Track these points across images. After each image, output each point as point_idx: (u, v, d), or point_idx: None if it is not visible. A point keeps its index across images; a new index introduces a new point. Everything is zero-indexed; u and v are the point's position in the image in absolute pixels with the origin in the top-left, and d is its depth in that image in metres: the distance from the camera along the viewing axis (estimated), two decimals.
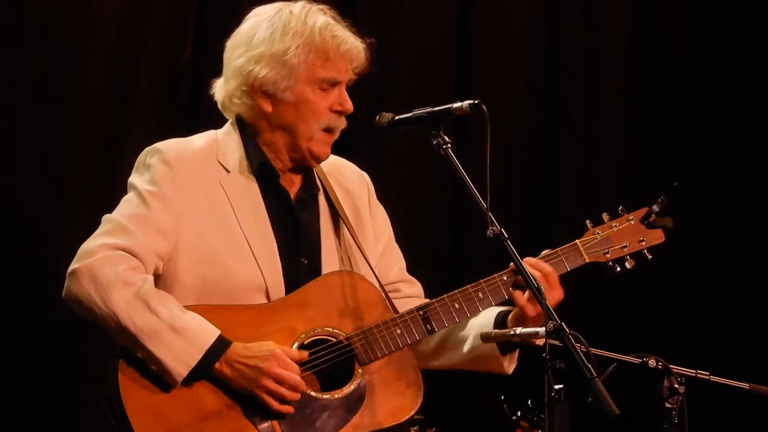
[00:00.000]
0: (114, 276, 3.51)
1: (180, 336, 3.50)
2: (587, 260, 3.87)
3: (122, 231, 3.57)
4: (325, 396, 3.62)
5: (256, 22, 3.75)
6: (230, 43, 3.80)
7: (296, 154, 3.76)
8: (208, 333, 3.53)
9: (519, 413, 4.06)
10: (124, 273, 3.52)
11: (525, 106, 6.29)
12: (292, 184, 3.82)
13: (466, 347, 3.81)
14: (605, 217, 3.93)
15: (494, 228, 3.47)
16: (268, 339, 3.60)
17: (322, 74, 3.71)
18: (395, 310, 3.76)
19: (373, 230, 3.94)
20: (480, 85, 5.94)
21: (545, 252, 3.83)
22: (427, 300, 3.83)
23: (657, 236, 3.94)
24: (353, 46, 3.74)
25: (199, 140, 3.79)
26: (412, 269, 4.05)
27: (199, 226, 3.65)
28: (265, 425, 3.57)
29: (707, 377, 3.90)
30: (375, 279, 3.79)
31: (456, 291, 3.75)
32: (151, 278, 3.57)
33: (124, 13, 5.56)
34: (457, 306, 3.73)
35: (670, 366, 3.79)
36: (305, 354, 3.62)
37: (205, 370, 3.52)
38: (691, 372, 3.85)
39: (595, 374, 3.22)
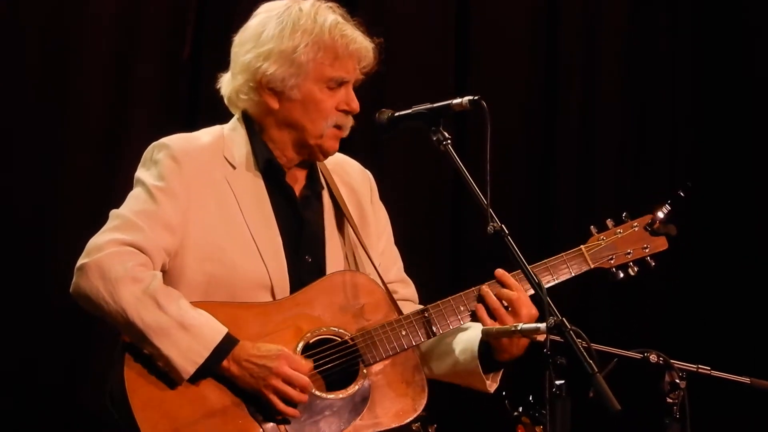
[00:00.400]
0: (123, 272, 3.50)
1: (188, 333, 3.50)
2: (592, 266, 3.89)
3: (131, 226, 3.57)
4: (330, 396, 3.62)
5: (265, 18, 3.74)
6: (238, 39, 3.78)
7: (303, 150, 3.76)
8: (216, 331, 3.53)
9: (520, 409, 4.08)
10: (132, 269, 3.51)
11: (524, 106, 6.30)
12: (297, 182, 3.81)
13: (450, 360, 3.81)
14: (609, 223, 3.94)
15: (495, 224, 3.46)
16: (274, 337, 3.60)
17: (330, 73, 3.70)
18: (400, 312, 3.75)
19: (376, 228, 3.93)
20: (479, 84, 5.95)
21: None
22: (436, 302, 3.79)
23: (660, 243, 3.96)
24: (362, 45, 3.73)
25: (206, 135, 3.78)
26: (411, 268, 4.05)
27: (206, 222, 3.65)
28: (269, 425, 3.56)
29: (708, 372, 3.90)
30: (378, 277, 3.78)
31: (460, 293, 3.75)
32: (159, 275, 3.57)
33: (123, 12, 5.56)
34: (462, 308, 3.73)
35: (672, 361, 3.79)
36: (311, 364, 3.61)
37: (212, 368, 3.52)
38: (692, 367, 3.85)
39: (596, 369, 3.22)
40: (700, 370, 3.88)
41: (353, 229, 3.82)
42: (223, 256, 3.64)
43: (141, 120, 5.51)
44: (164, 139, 3.72)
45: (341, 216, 3.85)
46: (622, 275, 3.91)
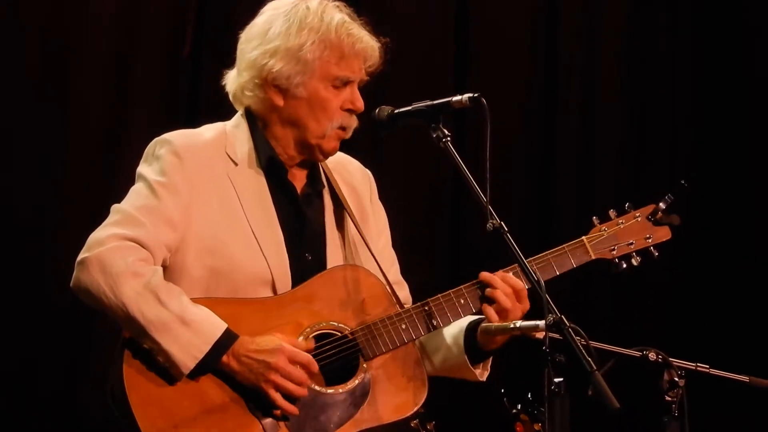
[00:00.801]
0: (124, 266, 3.50)
1: (188, 328, 3.50)
2: (593, 257, 3.89)
3: (132, 221, 3.57)
4: (330, 390, 3.62)
5: (272, 15, 3.75)
6: (245, 36, 3.80)
7: (304, 149, 3.77)
8: (216, 326, 3.53)
9: (519, 406, 4.07)
10: (133, 264, 3.52)
11: (523, 106, 6.30)
12: (299, 179, 3.82)
13: (440, 356, 3.82)
14: (612, 213, 3.94)
15: (494, 221, 3.47)
16: (274, 333, 3.60)
17: (336, 72, 3.71)
18: (401, 305, 3.76)
19: (375, 228, 3.94)
20: (479, 85, 5.95)
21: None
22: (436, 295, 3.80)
23: (663, 233, 3.95)
24: (368, 45, 3.74)
25: (208, 132, 3.79)
26: (410, 266, 4.05)
27: (207, 218, 3.65)
28: (269, 420, 3.56)
29: (707, 370, 3.91)
30: (381, 274, 3.78)
31: (461, 286, 3.75)
32: (160, 270, 3.57)
33: (123, 12, 5.56)
34: (462, 302, 3.74)
35: (670, 359, 3.79)
36: (311, 343, 3.62)
37: (212, 364, 3.52)
38: (691, 365, 3.86)
39: (595, 367, 3.22)
40: (698, 369, 3.88)
41: (355, 226, 3.83)
42: (225, 252, 3.64)
43: (141, 120, 5.50)
44: (166, 135, 3.73)
45: (342, 214, 3.85)
46: (624, 266, 3.91)
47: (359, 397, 3.63)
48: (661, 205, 3.92)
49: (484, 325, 3.66)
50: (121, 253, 3.52)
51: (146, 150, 3.74)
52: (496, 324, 3.65)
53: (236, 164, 3.74)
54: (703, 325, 6.18)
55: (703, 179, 6.20)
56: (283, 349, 3.55)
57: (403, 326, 3.70)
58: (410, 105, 3.70)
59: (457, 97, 3.61)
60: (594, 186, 6.33)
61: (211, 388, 3.54)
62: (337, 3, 3.79)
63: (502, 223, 3.47)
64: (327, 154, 3.79)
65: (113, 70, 5.55)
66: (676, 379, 3.79)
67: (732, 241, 6.29)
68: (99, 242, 3.54)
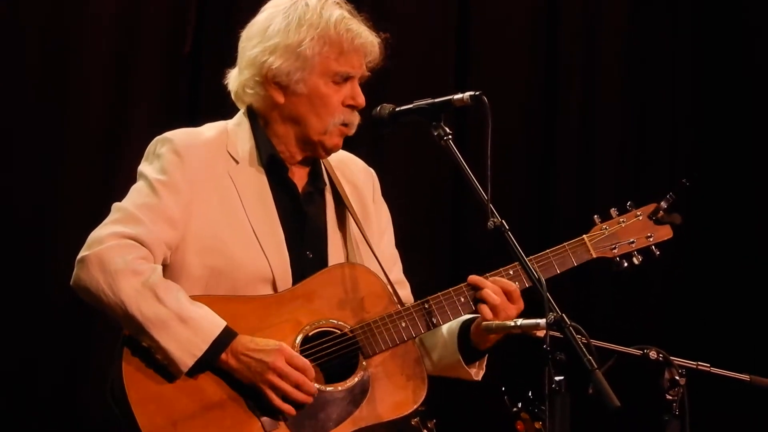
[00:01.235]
0: (123, 264, 3.51)
1: (187, 326, 3.50)
2: (594, 255, 3.89)
3: (132, 220, 3.58)
4: (329, 388, 3.62)
5: (271, 13, 3.76)
6: (245, 34, 3.80)
7: (307, 146, 3.77)
8: (215, 324, 3.54)
9: (520, 405, 4.07)
10: (132, 262, 3.52)
11: (524, 106, 6.30)
12: (300, 177, 3.82)
13: (436, 355, 3.82)
14: (613, 212, 3.94)
15: (495, 219, 3.46)
16: (273, 331, 3.60)
17: (335, 68, 3.71)
18: (401, 303, 3.76)
19: (378, 227, 3.94)
20: (479, 85, 5.92)
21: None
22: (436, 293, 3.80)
23: (665, 232, 3.95)
24: (368, 40, 3.74)
25: (209, 130, 3.80)
26: (411, 264, 4.05)
27: (208, 217, 3.66)
28: (267, 417, 3.56)
29: (708, 369, 3.90)
30: (382, 272, 3.78)
31: (462, 284, 3.75)
32: (159, 268, 3.57)
33: (123, 12, 5.55)
34: (462, 300, 3.74)
35: (671, 358, 3.79)
36: (307, 363, 3.61)
37: (210, 361, 3.52)
38: (691, 364, 3.85)
39: (595, 366, 3.21)
40: (699, 367, 3.88)
41: (357, 225, 3.82)
42: (225, 250, 3.64)
43: (141, 120, 5.50)
44: (167, 134, 3.74)
45: (344, 212, 3.85)
46: (625, 265, 3.91)
47: (358, 395, 3.63)
48: (663, 204, 3.92)
49: (485, 323, 3.65)
50: (121, 251, 3.52)
51: (147, 148, 3.75)
52: (497, 322, 3.64)
53: (237, 162, 3.75)
54: (704, 324, 6.18)
55: (704, 178, 6.19)
56: (282, 349, 3.56)
57: (403, 324, 3.70)
58: (411, 103, 3.70)
59: (459, 95, 3.61)
60: (594, 185, 6.32)
61: (210, 386, 3.54)
62: (336, 0, 3.79)
63: (503, 221, 3.46)
64: (330, 151, 3.79)
65: (113, 70, 5.55)
66: (677, 377, 3.78)
67: (733, 240, 6.28)
68: (99, 240, 3.55)
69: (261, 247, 3.67)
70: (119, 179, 5.11)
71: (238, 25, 3.89)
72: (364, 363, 3.65)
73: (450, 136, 3.61)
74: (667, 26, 6.50)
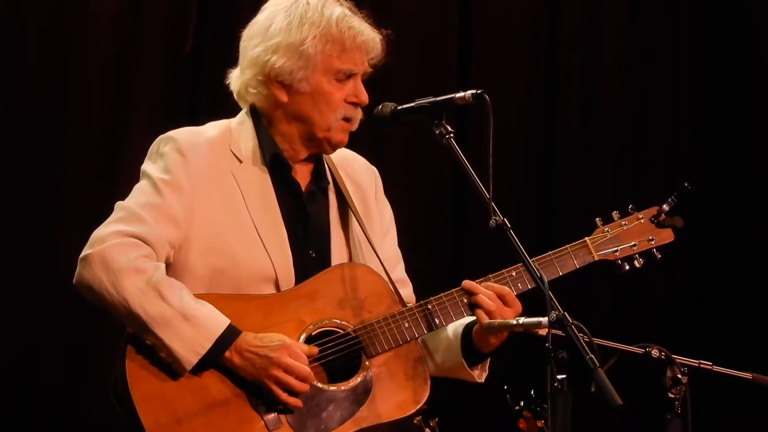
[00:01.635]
0: (126, 263, 3.51)
1: (190, 324, 3.51)
2: (596, 258, 3.90)
3: (135, 218, 3.58)
4: (332, 388, 3.62)
5: (272, 12, 3.76)
6: (246, 33, 3.80)
7: (312, 143, 3.78)
8: (218, 322, 3.54)
9: (522, 403, 4.06)
10: (135, 260, 3.52)
11: (524, 106, 6.30)
12: (304, 176, 3.82)
13: (438, 357, 3.83)
14: (615, 215, 3.95)
15: (497, 218, 3.46)
16: (276, 330, 3.60)
17: (338, 65, 3.72)
18: (403, 303, 3.76)
19: (380, 225, 3.94)
20: (480, 85, 5.92)
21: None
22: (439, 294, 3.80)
23: (666, 235, 3.97)
24: (369, 37, 3.75)
25: (213, 129, 3.80)
26: (412, 263, 4.05)
27: (211, 216, 3.66)
28: (270, 416, 3.57)
29: (710, 367, 3.91)
30: (384, 272, 3.78)
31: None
32: (162, 266, 3.57)
33: (123, 12, 5.55)
34: (465, 300, 3.74)
35: (673, 356, 3.80)
36: (315, 349, 3.62)
37: (214, 359, 3.52)
38: (694, 362, 3.86)
39: (597, 364, 3.20)
40: (701, 366, 3.88)
41: (360, 225, 3.83)
42: (228, 250, 3.65)
43: (141, 119, 5.50)
44: (171, 132, 3.74)
45: (347, 211, 3.85)
46: (627, 267, 3.92)
47: (361, 394, 3.63)
48: (665, 207, 3.93)
49: (487, 322, 3.65)
50: (124, 249, 3.52)
51: (151, 147, 3.75)
52: (499, 321, 3.64)
53: (240, 161, 3.75)
54: (706, 323, 6.18)
55: (705, 178, 6.19)
56: (286, 345, 3.56)
57: (406, 324, 3.70)
58: (413, 102, 3.70)
59: (460, 94, 3.61)
60: (595, 186, 6.33)
61: (214, 384, 3.54)
62: None
63: (504, 219, 3.46)
64: (335, 146, 3.79)
65: (113, 70, 5.54)
66: (679, 376, 3.79)
67: (735, 239, 6.29)
68: (101, 239, 3.55)
69: (264, 247, 3.67)
70: (120, 179, 5.12)
71: (239, 24, 3.89)
72: (366, 363, 3.66)
73: (451, 135, 3.61)
74: (667, 26, 6.50)
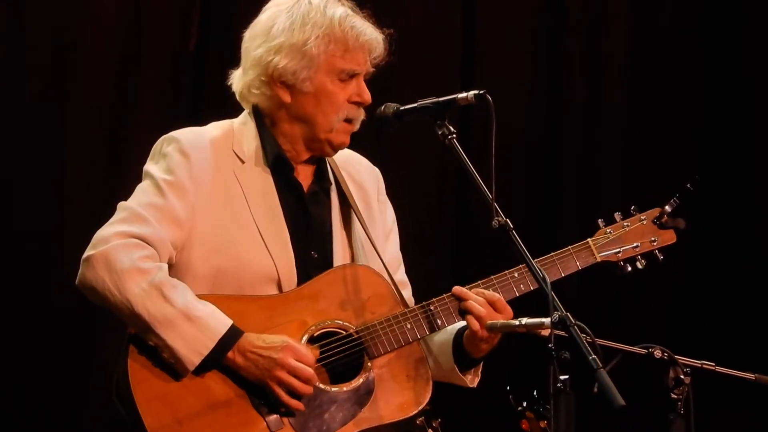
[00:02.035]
0: (129, 263, 3.51)
1: (193, 324, 3.51)
2: (599, 260, 3.90)
3: (138, 219, 3.57)
4: (334, 389, 3.62)
5: (274, 12, 3.76)
6: (249, 34, 3.80)
7: (314, 144, 3.77)
8: (221, 322, 3.54)
9: (525, 404, 4.06)
10: (138, 261, 3.52)
11: (527, 106, 6.30)
12: (306, 177, 3.82)
13: (431, 362, 3.81)
14: (617, 216, 3.95)
15: (500, 218, 3.46)
16: (279, 330, 3.60)
17: (341, 65, 3.72)
18: (405, 305, 3.76)
19: (383, 226, 3.94)
20: (483, 85, 5.92)
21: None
22: (441, 295, 3.79)
23: (669, 237, 3.97)
24: (372, 37, 3.75)
25: (215, 129, 3.80)
26: (414, 263, 4.05)
27: (213, 217, 3.66)
28: (273, 416, 3.57)
29: (713, 368, 3.91)
30: (386, 273, 3.78)
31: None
32: (165, 266, 3.57)
33: (125, 11, 5.55)
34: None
35: (676, 357, 3.79)
36: (316, 352, 3.62)
37: (217, 359, 3.52)
38: (696, 363, 3.86)
39: (600, 365, 3.20)
40: (704, 366, 3.88)
41: (362, 225, 3.82)
42: (230, 250, 3.64)
43: (144, 120, 5.50)
44: (173, 133, 3.74)
45: (349, 212, 3.85)
46: (629, 269, 3.92)
47: (363, 395, 3.63)
48: (667, 208, 3.93)
49: (489, 322, 3.65)
50: (126, 250, 3.52)
51: (153, 147, 3.75)
52: (502, 321, 3.64)
53: (243, 162, 3.75)
54: (708, 323, 6.17)
55: (707, 179, 6.18)
56: (290, 346, 3.55)
57: (408, 326, 3.70)
58: (416, 102, 3.70)
59: (463, 94, 3.62)
60: (597, 187, 6.32)
61: (216, 384, 3.54)
62: None
63: (507, 220, 3.46)
64: (337, 148, 3.79)
65: (114, 70, 5.55)
66: (682, 376, 3.79)
67: (737, 239, 6.28)
68: (104, 239, 3.55)
69: (266, 247, 3.67)
70: (121, 179, 5.12)
71: (242, 24, 3.88)
72: (368, 364, 3.66)
73: (454, 135, 3.61)
74: (670, 27, 6.49)
